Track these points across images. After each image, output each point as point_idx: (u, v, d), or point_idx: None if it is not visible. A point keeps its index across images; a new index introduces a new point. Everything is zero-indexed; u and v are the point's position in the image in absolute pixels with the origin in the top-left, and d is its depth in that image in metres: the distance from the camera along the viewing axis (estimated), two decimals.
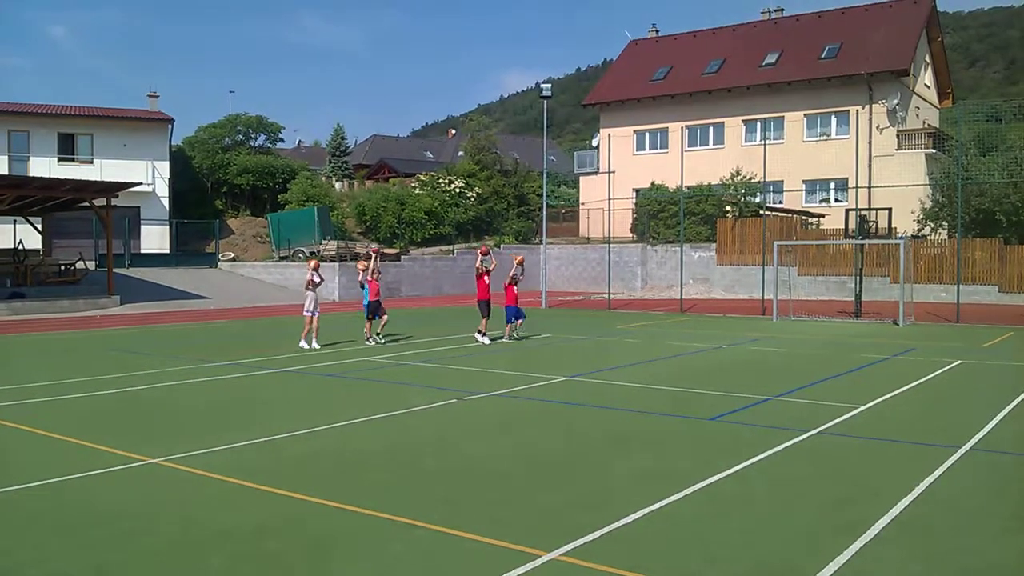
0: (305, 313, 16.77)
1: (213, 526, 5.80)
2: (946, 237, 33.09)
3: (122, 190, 28.29)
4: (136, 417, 9.95)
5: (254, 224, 41.73)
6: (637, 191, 41.28)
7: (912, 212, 32.98)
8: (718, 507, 6.20)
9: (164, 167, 39.10)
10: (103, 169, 36.17)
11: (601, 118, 47.40)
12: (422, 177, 46.11)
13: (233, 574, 5.01)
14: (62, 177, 27.96)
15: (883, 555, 5.20)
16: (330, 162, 55.47)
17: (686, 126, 42.08)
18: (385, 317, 17.45)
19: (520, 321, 18.13)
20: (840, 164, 35.23)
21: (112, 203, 28.36)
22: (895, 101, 38.43)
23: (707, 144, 43.31)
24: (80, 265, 30.68)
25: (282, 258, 36.78)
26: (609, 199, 30.84)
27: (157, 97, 40.98)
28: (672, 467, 7.39)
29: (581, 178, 46.74)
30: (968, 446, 8.11)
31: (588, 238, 42.47)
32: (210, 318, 24.78)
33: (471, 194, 44.95)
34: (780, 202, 38.27)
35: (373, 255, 18.18)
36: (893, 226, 25.14)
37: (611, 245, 33.19)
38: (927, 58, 43.65)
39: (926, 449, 8.09)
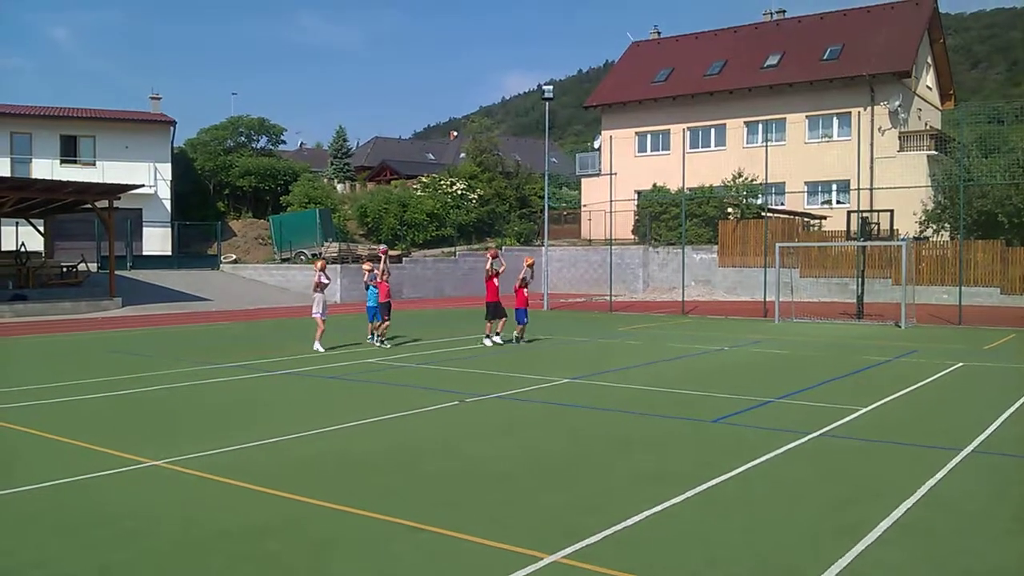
0: (314, 315, 16.71)
1: (215, 527, 5.81)
2: (948, 239, 33.02)
3: (124, 192, 28.34)
4: (138, 419, 9.96)
5: (256, 226, 41.78)
6: (639, 193, 41.32)
7: (914, 214, 32.95)
8: (720, 509, 6.20)
9: (166, 169, 39.16)
10: (105, 171, 36.28)
11: (603, 120, 47.44)
12: (424, 179, 46.11)
13: (234, 575, 5.02)
14: (64, 179, 27.99)
15: (884, 557, 5.20)
16: (332, 164, 55.51)
17: (688, 128, 42.00)
18: (387, 322, 17.41)
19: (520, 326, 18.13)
20: (842, 166, 35.24)
21: (114, 205, 28.43)
22: (897, 103, 38.40)
23: (709, 146, 43.32)
24: (82, 267, 30.70)
25: (284, 260, 36.82)
26: (611, 201, 30.86)
27: (159, 99, 41.05)
28: (674, 469, 7.40)
29: (583, 180, 46.70)
30: (970, 448, 8.11)
31: (590, 240, 42.46)
32: (212, 320, 24.81)
33: (473, 196, 44.93)
34: (782, 204, 38.28)
35: (382, 256, 18.03)
36: (895, 228, 25.13)
37: (613, 247, 33.19)
38: (929, 60, 43.63)
39: (928, 451, 8.08)
